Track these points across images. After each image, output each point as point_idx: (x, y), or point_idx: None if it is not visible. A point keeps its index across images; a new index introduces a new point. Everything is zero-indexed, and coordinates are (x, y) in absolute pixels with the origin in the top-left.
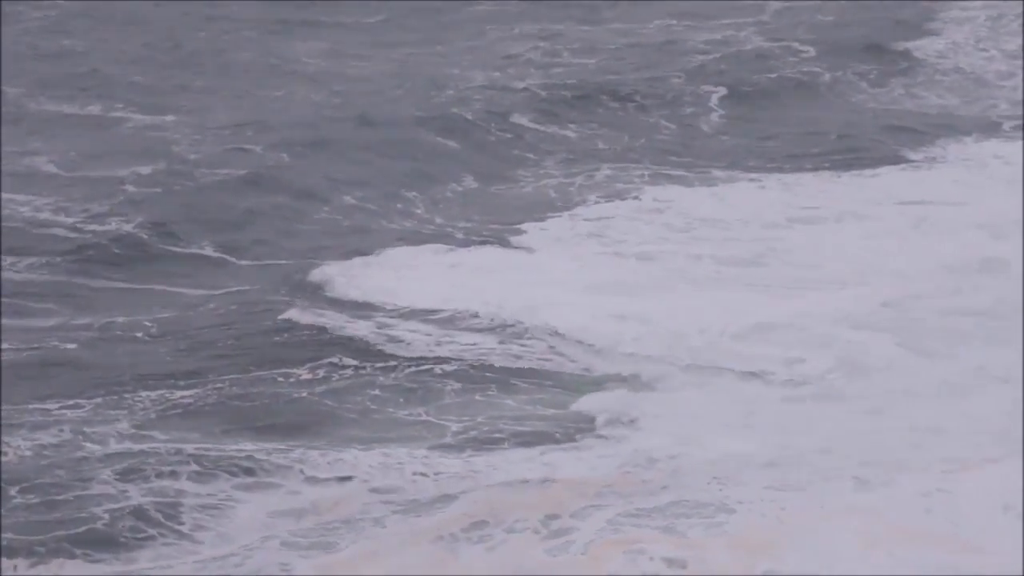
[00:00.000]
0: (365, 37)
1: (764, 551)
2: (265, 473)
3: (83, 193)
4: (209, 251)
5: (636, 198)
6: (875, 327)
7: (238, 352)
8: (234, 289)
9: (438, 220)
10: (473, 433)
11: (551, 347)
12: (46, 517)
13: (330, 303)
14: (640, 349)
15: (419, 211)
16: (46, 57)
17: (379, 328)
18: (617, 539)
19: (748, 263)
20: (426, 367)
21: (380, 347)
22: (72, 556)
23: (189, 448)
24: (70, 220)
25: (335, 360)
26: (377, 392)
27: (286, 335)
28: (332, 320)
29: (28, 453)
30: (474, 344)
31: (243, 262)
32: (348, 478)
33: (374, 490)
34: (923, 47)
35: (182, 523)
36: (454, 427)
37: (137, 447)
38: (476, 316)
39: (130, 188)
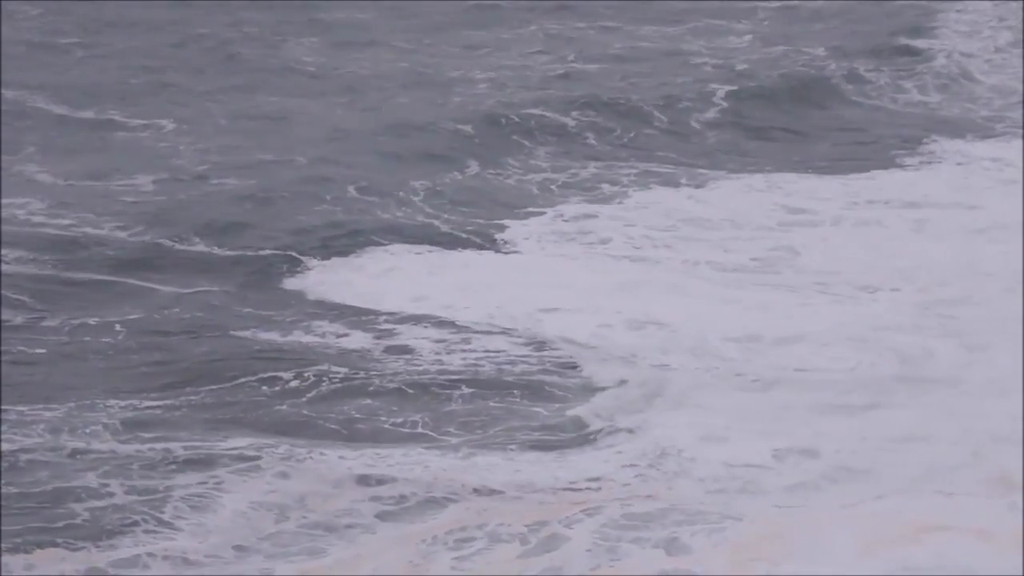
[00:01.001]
0: (365, 37)
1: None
2: (254, 467)
3: (75, 197)
4: (198, 249)
5: (634, 198)
6: (928, 331)
7: (222, 357)
8: (216, 290)
9: (429, 216)
10: (470, 438)
11: (554, 352)
12: (25, 512)
13: (317, 306)
14: (665, 358)
15: (419, 210)
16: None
17: (377, 337)
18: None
19: (758, 267)
20: (420, 373)
21: (375, 352)
22: (55, 545)
23: (175, 447)
24: (64, 222)
25: (323, 367)
26: (368, 401)
27: (270, 342)
28: (323, 326)
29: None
30: (474, 349)
31: (227, 252)
32: (339, 478)
33: (362, 487)
34: (923, 47)
35: (163, 512)
36: (450, 432)
37: (120, 447)
38: (474, 321)
39: (126, 190)
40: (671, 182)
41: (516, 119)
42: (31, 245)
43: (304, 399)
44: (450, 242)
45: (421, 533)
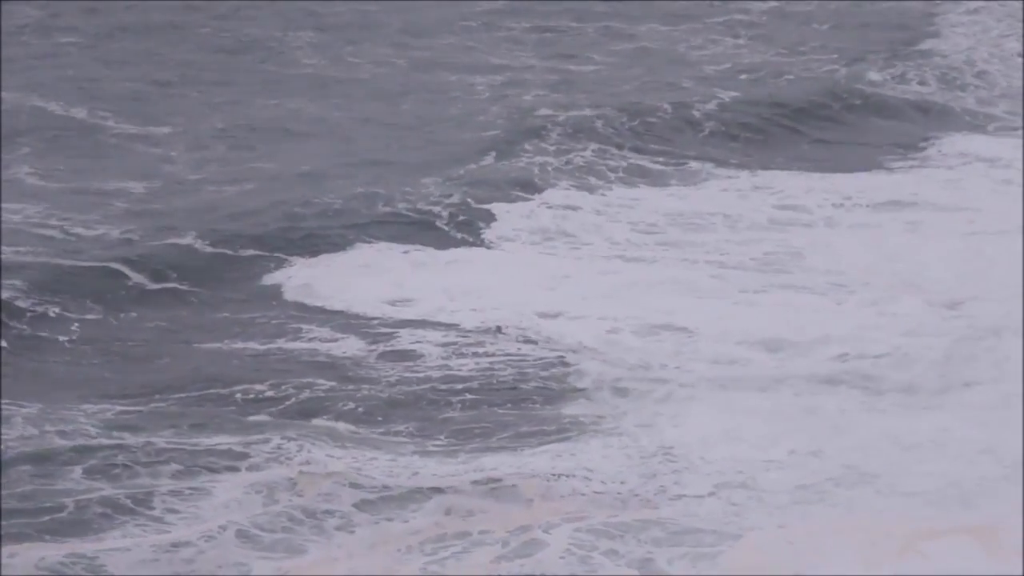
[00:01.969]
0: (365, 37)
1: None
2: (244, 462)
3: (69, 201)
4: (189, 250)
5: (625, 194)
6: (944, 335)
7: (209, 358)
8: (206, 292)
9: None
10: (466, 440)
11: (552, 352)
12: (8, 506)
13: (302, 308)
14: (684, 363)
15: (415, 209)
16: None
17: (371, 343)
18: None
19: (763, 267)
20: (416, 373)
21: (372, 353)
22: (41, 539)
23: (160, 443)
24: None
25: (307, 379)
26: (364, 395)
27: (254, 346)
28: (313, 331)
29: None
30: (463, 353)
31: (219, 251)
32: (329, 472)
33: (354, 487)
34: (923, 47)
35: (152, 508)
36: (445, 434)
37: (107, 442)
38: (469, 323)
39: (119, 193)
40: (661, 181)
41: (516, 119)
42: (22, 244)
43: (292, 401)
44: (443, 242)
45: (400, 534)
